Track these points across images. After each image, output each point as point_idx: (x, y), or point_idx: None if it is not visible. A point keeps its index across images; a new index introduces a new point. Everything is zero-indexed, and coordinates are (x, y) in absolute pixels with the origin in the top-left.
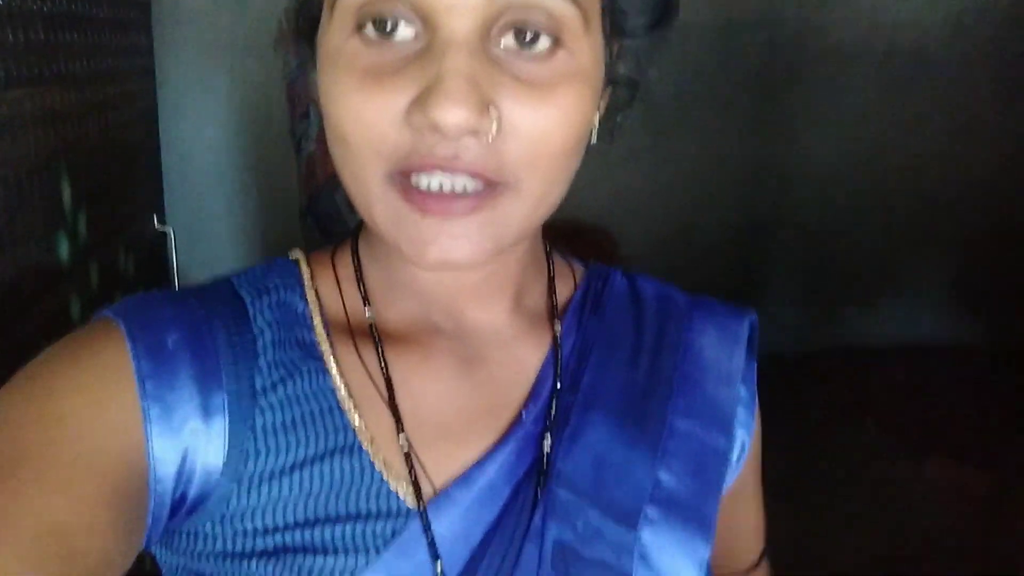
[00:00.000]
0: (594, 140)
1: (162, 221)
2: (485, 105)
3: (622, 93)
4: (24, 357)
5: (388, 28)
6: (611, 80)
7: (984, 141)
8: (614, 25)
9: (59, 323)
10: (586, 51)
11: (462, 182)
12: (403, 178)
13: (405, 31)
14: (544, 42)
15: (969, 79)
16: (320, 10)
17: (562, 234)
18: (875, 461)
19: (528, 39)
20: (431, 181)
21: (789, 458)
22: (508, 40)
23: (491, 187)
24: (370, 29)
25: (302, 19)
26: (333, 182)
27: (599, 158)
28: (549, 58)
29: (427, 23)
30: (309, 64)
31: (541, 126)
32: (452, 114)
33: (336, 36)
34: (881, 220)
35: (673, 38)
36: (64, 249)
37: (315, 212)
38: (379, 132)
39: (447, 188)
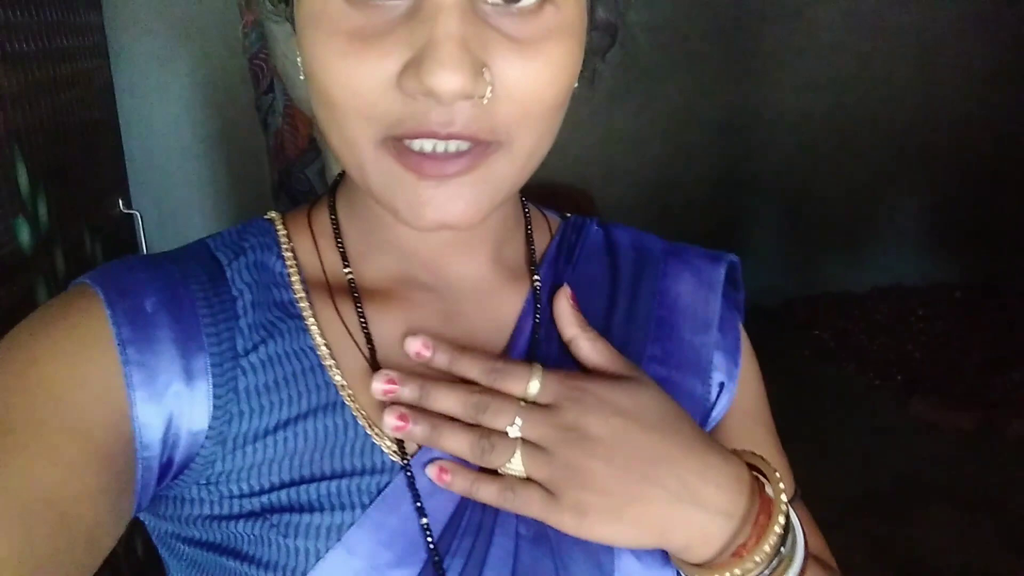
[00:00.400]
0: (575, 84)
1: (127, 203)
2: (479, 68)
3: (601, 38)
4: None
5: None
6: (591, 26)
7: (954, 75)
8: None
9: (25, 310)
10: (571, 3)
11: (455, 144)
12: (396, 142)
13: None
14: None
15: (935, 15)
16: None
17: (539, 196)
18: (859, 403)
19: None
20: (423, 144)
21: (773, 403)
22: None
23: (483, 146)
24: None
25: None
26: (304, 158)
27: (573, 114)
28: (537, 13)
29: None
30: (283, 23)
31: (532, 84)
32: (448, 80)
33: None
34: (856, 162)
35: None
36: (25, 234)
37: (288, 188)
38: (369, 98)
39: (440, 150)
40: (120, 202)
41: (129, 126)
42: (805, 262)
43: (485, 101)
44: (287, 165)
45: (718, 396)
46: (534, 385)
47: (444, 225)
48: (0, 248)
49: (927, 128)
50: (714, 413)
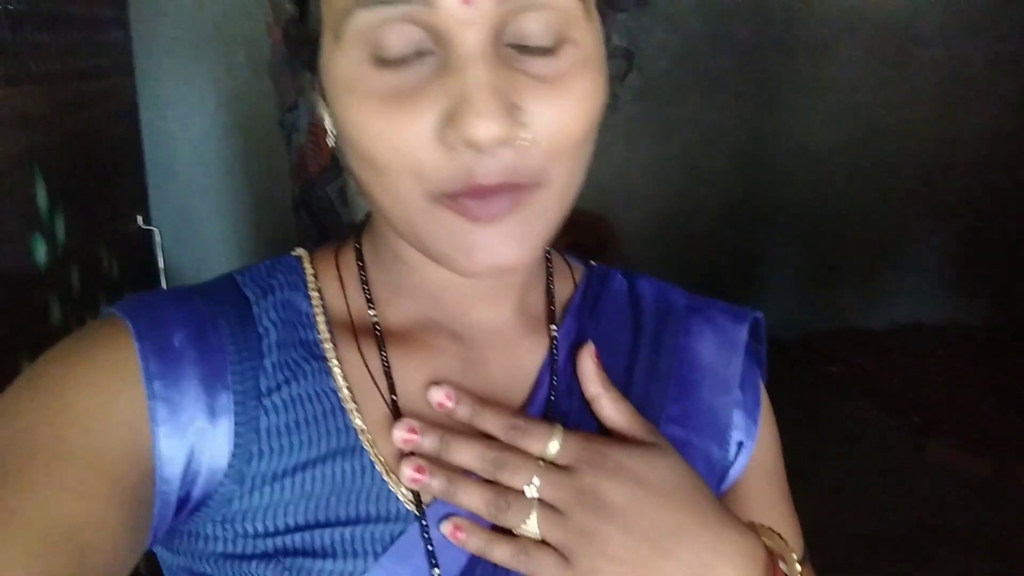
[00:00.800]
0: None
1: (147, 220)
2: (512, 110)
3: (619, 64)
4: None
5: (401, 49)
6: (608, 54)
7: (979, 113)
8: (607, 2)
9: (37, 326)
10: (590, 37)
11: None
12: (449, 198)
13: (417, 47)
14: (551, 37)
15: (961, 52)
16: (318, 34)
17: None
18: (874, 443)
19: (537, 36)
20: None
21: (786, 439)
22: (518, 39)
23: (522, 188)
24: (382, 52)
25: (300, 47)
26: (326, 174)
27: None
28: (558, 51)
29: (440, 39)
30: (310, 89)
31: (562, 120)
32: (487, 129)
33: (346, 62)
34: (877, 198)
35: (661, 8)
36: (41, 251)
37: (308, 205)
38: (413, 156)
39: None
40: (139, 218)
41: (152, 143)
42: (824, 296)
43: (525, 143)
44: (308, 182)
45: (736, 455)
46: (553, 445)
47: (496, 267)
48: (16, 265)
49: (951, 164)
50: (731, 473)
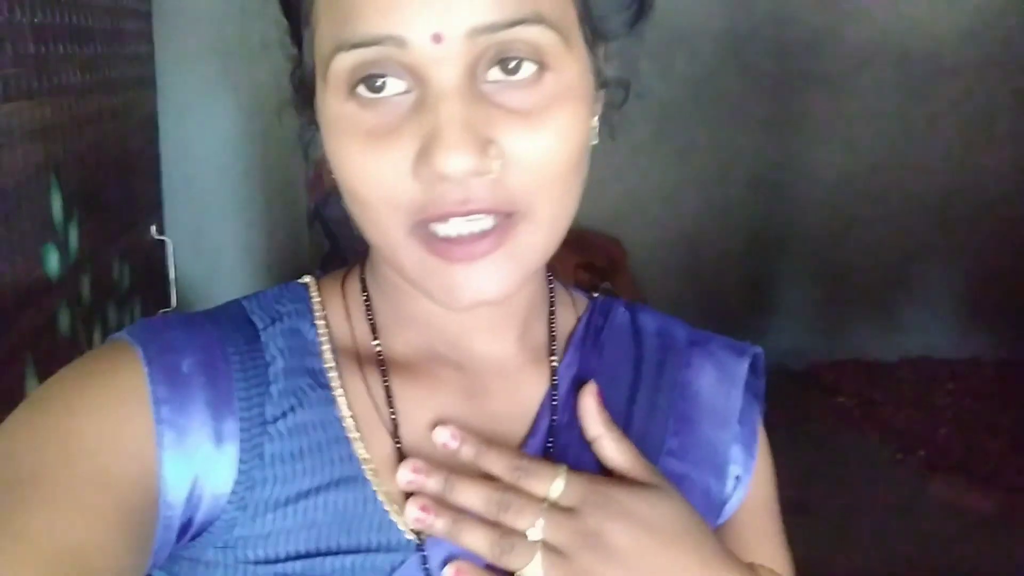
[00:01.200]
0: (594, 141)
1: (161, 230)
2: (484, 145)
3: (616, 93)
4: (6, 371)
5: (379, 85)
6: (602, 84)
7: (998, 147)
8: (595, 32)
9: (45, 335)
10: (571, 67)
11: (479, 223)
12: (423, 229)
13: (396, 85)
14: (529, 68)
15: (983, 85)
16: (314, 78)
17: (572, 244)
18: (879, 476)
19: (512, 67)
20: (448, 229)
21: (792, 470)
22: (495, 72)
23: (507, 218)
24: (363, 89)
25: (300, 87)
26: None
27: (606, 161)
28: (536, 83)
29: (416, 76)
30: (314, 126)
31: (541, 152)
32: (455, 162)
33: (333, 102)
34: (892, 228)
35: (681, 35)
36: (53, 261)
37: (323, 218)
38: (391, 189)
39: (465, 232)
40: (153, 228)
41: (170, 153)
42: (833, 325)
43: (495, 175)
44: (324, 196)
45: (733, 490)
46: (557, 486)
47: (480, 303)
48: (27, 274)
49: (965, 198)
50: (727, 507)
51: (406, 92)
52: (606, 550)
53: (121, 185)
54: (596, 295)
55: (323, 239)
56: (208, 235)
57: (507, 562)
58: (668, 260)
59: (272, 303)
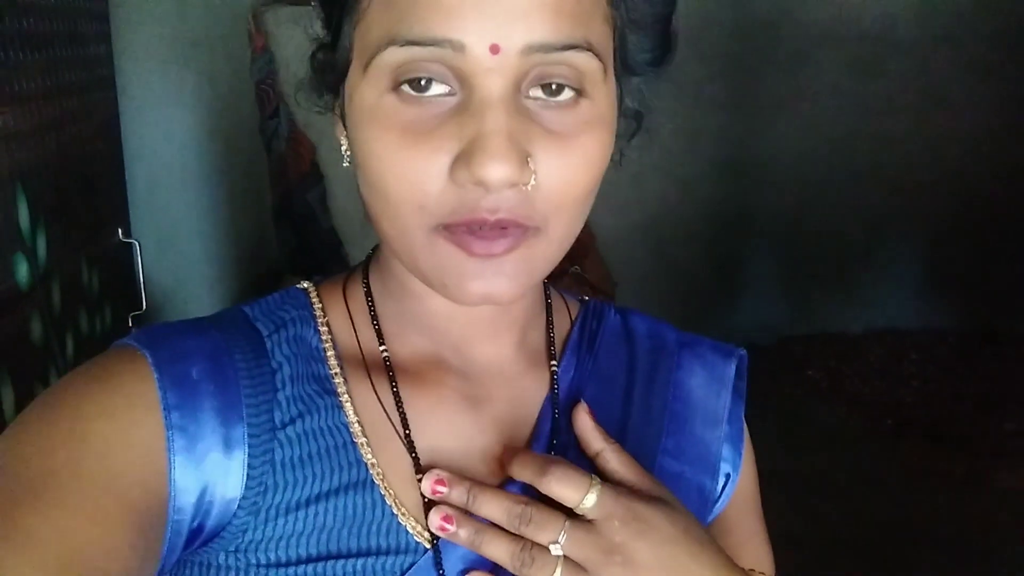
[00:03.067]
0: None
1: (127, 232)
2: (524, 158)
3: (628, 123)
4: None
5: (423, 85)
6: (620, 113)
7: (954, 121)
8: (624, 65)
9: (19, 345)
10: (604, 97)
11: (500, 227)
12: (447, 229)
13: (439, 88)
14: (568, 92)
15: (937, 60)
16: (347, 65)
17: None
18: (849, 445)
19: (554, 90)
20: (472, 227)
21: (764, 442)
22: (536, 91)
23: (523, 230)
24: (406, 87)
25: (326, 73)
26: (306, 182)
27: None
28: (574, 107)
29: (464, 82)
30: (332, 111)
31: (569, 174)
32: (497, 171)
33: (370, 93)
34: (854, 204)
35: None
36: (23, 271)
37: (289, 213)
38: (423, 189)
39: (488, 230)
40: (120, 231)
41: (133, 154)
42: (800, 301)
43: (529, 188)
44: (288, 189)
45: (724, 488)
46: (590, 498)
47: (488, 298)
48: None
49: (924, 173)
50: (718, 505)
51: (448, 95)
52: (631, 566)
53: (86, 189)
54: (587, 299)
55: (289, 236)
56: (174, 236)
57: (528, 574)
58: (636, 242)
59: (275, 310)
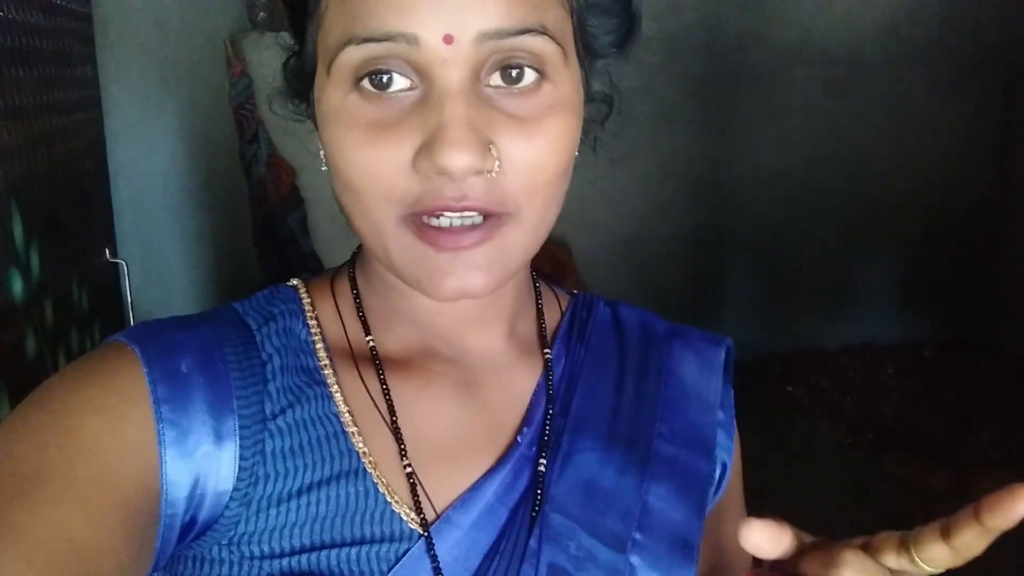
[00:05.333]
0: (575, 154)
1: (114, 252)
2: (486, 145)
3: (600, 108)
4: None
5: (384, 81)
6: (589, 98)
7: (924, 138)
8: (587, 48)
9: (14, 360)
10: (567, 80)
11: (469, 218)
12: (416, 219)
13: (400, 82)
14: (530, 77)
15: (905, 79)
16: (314, 69)
17: None
18: (831, 459)
19: (515, 76)
20: (440, 220)
21: (745, 458)
22: (496, 79)
23: (495, 218)
24: (367, 83)
25: (296, 78)
26: (285, 205)
27: None
28: (535, 92)
29: (423, 75)
30: (309, 118)
31: (535, 158)
32: (458, 159)
33: (335, 94)
34: (826, 222)
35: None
36: (18, 285)
37: (270, 235)
38: (389, 181)
39: (455, 224)
40: (107, 251)
41: (118, 175)
42: (778, 318)
43: (493, 175)
44: (269, 213)
45: (720, 476)
46: None
47: (463, 293)
48: None
49: (896, 189)
50: (717, 494)
51: (410, 89)
52: None
53: (75, 208)
54: (576, 292)
55: (271, 256)
56: (157, 256)
57: None
58: (614, 261)
59: (264, 304)
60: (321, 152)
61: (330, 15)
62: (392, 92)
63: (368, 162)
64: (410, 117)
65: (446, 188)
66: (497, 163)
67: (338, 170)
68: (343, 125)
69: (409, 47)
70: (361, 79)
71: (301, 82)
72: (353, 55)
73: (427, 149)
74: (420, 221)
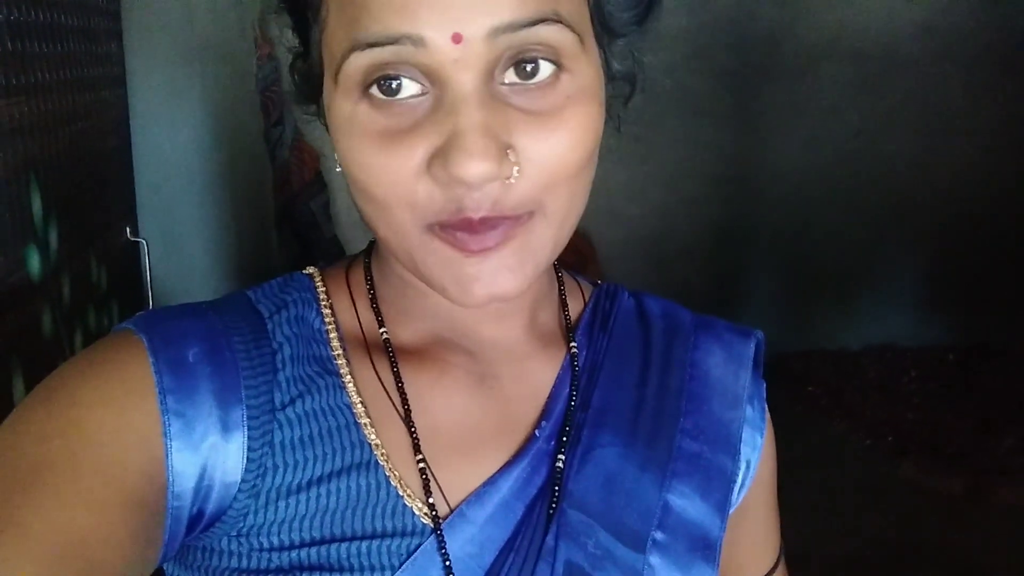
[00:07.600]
0: (599, 141)
1: (135, 231)
2: (503, 150)
3: (621, 86)
4: None
5: (394, 87)
6: (611, 78)
7: (953, 139)
8: (605, 28)
9: (30, 337)
10: (586, 67)
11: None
12: (440, 227)
13: (411, 87)
14: (546, 70)
15: (938, 78)
16: (321, 74)
17: None
18: (850, 462)
19: (529, 71)
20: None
21: None
22: (510, 75)
23: (514, 219)
24: (376, 91)
25: (305, 84)
26: (308, 189)
27: None
28: (553, 84)
29: (433, 79)
30: (318, 120)
31: (557, 153)
32: (475, 168)
33: (344, 102)
34: (852, 221)
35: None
36: (35, 262)
37: (291, 220)
38: (407, 187)
39: (481, 225)
40: (128, 230)
41: (141, 154)
42: (800, 317)
43: (512, 181)
44: (291, 197)
45: (745, 474)
46: None
47: (494, 298)
48: (10, 275)
49: (924, 190)
50: (741, 492)
51: (422, 95)
52: None
53: (96, 185)
54: (600, 282)
55: (291, 240)
56: (178, 237)
57: None
58: (636, 255)
59: (277, 292)
60: (336, 157)
61: (331, 20)
62: (402, 99)
63: (385, 172)
64: (424, 123)
65: (465, 198)
66: (516, 168)
67: (355, 180)
68: (355, 136)
69: (416, 49)
70: (369, 86)
71: (309, 86)
72: (359, 62)
73: (442, 156)
74: (445, 228)
